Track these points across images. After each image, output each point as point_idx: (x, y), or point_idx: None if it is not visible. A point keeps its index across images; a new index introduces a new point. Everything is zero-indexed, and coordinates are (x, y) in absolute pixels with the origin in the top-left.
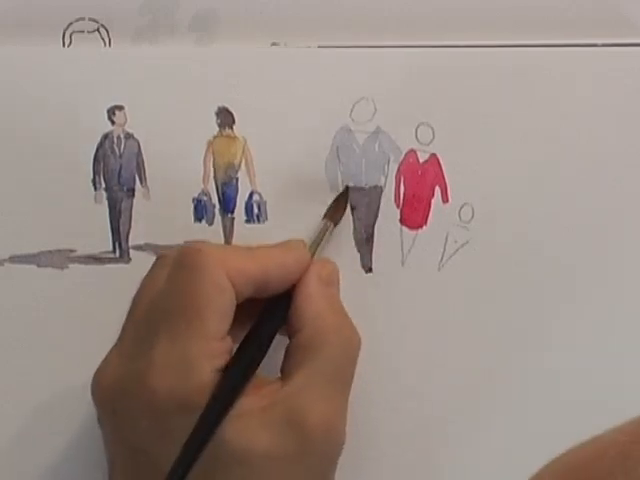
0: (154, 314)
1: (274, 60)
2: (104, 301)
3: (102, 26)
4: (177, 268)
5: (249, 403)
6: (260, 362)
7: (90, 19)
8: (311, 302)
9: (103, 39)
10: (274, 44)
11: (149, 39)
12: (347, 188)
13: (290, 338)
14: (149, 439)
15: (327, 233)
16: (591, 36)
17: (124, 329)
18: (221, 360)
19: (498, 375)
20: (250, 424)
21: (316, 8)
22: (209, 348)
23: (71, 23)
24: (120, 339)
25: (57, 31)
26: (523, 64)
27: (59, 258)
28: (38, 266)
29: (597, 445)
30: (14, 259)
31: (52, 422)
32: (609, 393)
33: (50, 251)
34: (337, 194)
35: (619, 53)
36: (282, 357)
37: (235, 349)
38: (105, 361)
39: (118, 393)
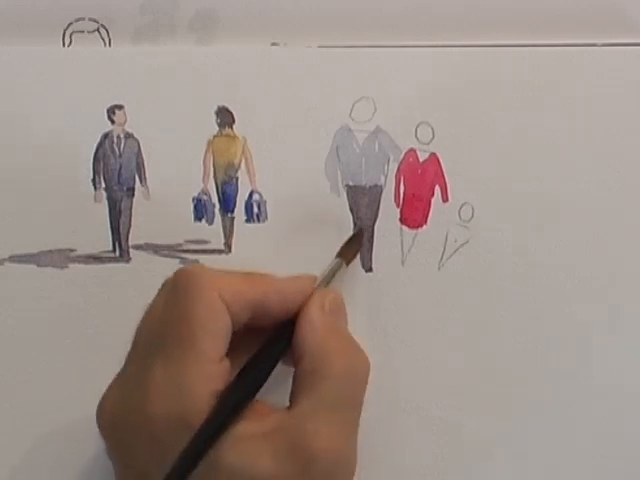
0: (151, 340)
1: (274, 60)
2: (104, 301)
3: (102, 26)
4: (171, 292)
5: (253, 428)
6: (259, 387)
7: (90, 19)
8: (312, 329)
9: (103, 39)
10: (274, 44)
11: (149, 39)
12: (361, 230)
13: (295, 367)
14: (153, 465)
15: (339, 271)
16: (591, 36)
17: (127, 357)
18: (218, 383)
19: (498, 374)
20: (253, 448)
21: (316, 8)
22: (204, 371)
23: (71, 23)
24: (123, 367)
25: (57, 31)
26: (523, 64)
27: (59, 258)
28: (38, 266)
29: None
30: (14, 259)
31: (51, 421)
32: (610, 391)
33: (50, 251)
34: (352, 234)
35: (619, 53)
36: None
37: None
38: (107, 391)
39: (120, 423)
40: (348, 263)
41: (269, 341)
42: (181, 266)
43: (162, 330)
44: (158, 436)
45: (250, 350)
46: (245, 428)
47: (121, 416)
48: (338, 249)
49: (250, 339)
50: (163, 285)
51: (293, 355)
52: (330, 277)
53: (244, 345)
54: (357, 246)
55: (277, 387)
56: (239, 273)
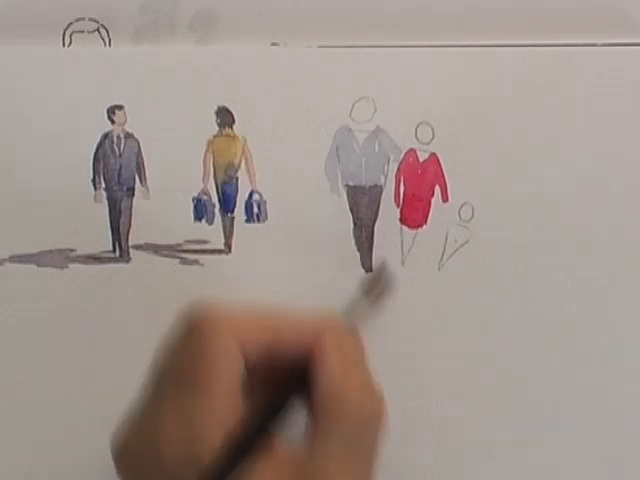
0: (165, 381)
1: (274, 60)
2: (104, 301)
3: (102, 26)
4: (187, 334)
5: (264, 468)
6: (271, 430)
7: (90, 19)
8: (327, 370)
9: (103, 39)
10: (274, 44)
11: (149, 39)
12: (384, 265)
13: (309, 407)
14: None
15: (362, 310)
16: (591, 36)
17: (143, 390)
18: (230, 425)
19: (498, 374)
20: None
21: (316, 8)
22: (216, 417)
23: (71, 23)
24: (139, 401)
25: (57, 31)
26: (523, 64)
27: (59, 258)
28: (38, 266)
29: None
30: (14, 259)
31: (52, 422)
32: (609, 391)
33: (50, 251)
34: (377, 272)
35: (619, 53)
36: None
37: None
38: (123, 426)
39: (135, 462)
40: (373, 303)
41: (285, 383)
42: (181, 266)
43: (176, 373)
44: (171, 478)
45: (266, 386)
46: (258, 470)
47: (136, 456)
48: (364, 283)
49: (267, 374)
50: (178, 321)
51: (308, 397)
52: (353, 315)
53: (261, 380)
54: (382, 286)
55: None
56: (254, 312)
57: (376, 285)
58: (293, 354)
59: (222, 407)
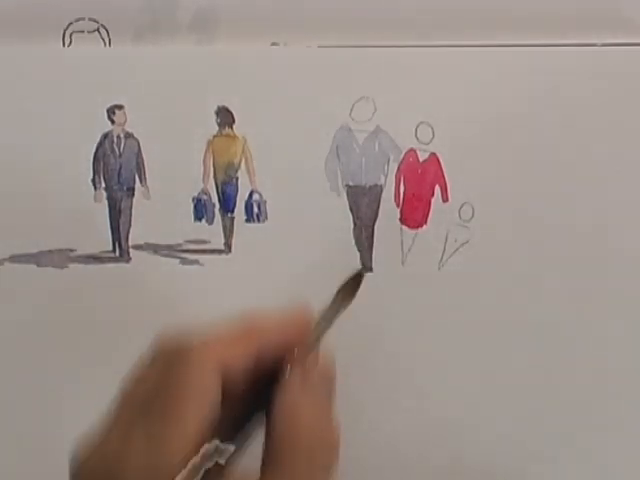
0: (136, 408)
1: (274, 60)
2: (104, 300)
3: (102, 26)
4: (164, 363)
5: None
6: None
7: (90, 19)
8: (286, 407)
9: (103, 39)
10: (274, 44)
11: (149, 39)
12: (362, 271)
13: (266, 434)
14: None
15: (338, 314)
16: (591, 36)
17: (110, 414)
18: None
19: (498, 374)
20: None
21: (316, 8)
22: (184, 449)
23: (71, 23)
24: (104, 424)
25: (57, 31)
26: (523, 64)
27: (59, 258)
28: (38, 266)
29: None
30: (14, 259)
31: (52, 422)
32: (609, 391)
33: (50, 251)
34: (351, 275)
35: (619, 53)
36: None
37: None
38: (87, 439)
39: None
40: (345, 306)
41: (249, 407)
42: (181, 266)
43: (148, 401)
44: None
45: (239, 401)
46: None
47: (95, 472)
48: (338, 288)
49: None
50: (152, 346)
51: (266, 423)
52: (329, 317)
53: (235, 395)
54: (356, 287)
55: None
56: (232, 333)
57: (351, 288)
58: (275, 362)
59: (192, 439)
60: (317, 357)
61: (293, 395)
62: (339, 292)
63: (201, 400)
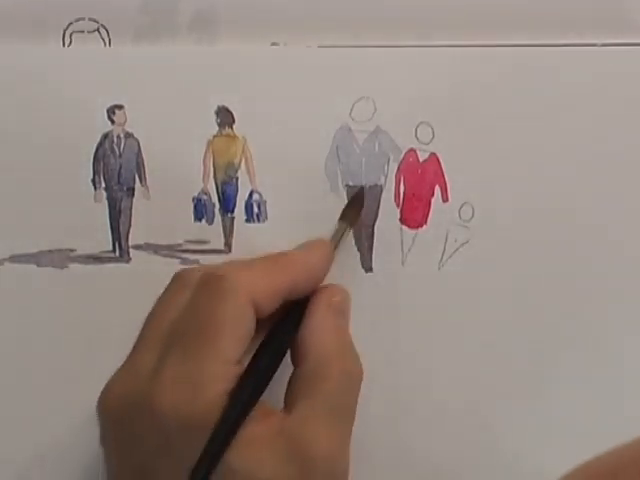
0: (170, 335)
1: (274, 60)
2: (104, 301)
3: (102, 26)
4: (199, 293)
5: (254, 431)
6: (266, 386)
7: (90, 19)
8: (317, 334)
9: (103, 39)
10: (274, 44)
11: (149, 39)
12: (362, 189)
13: (294, 366)
14: (153, 457)
15: (344, 235)
16: (591, 36)
17: (136, 346)
18: (232, 384)
19: (498, 374)
20: (255, 452)
21: (316, 8)
22: (221, 371)
23: (71, 23)
24: (131, 355)
25: (57, 31)
26: (523, 64)
27: (59, 258)
28: (38, 266)
29: (616, 459)
30: (14, 259)
31: (52, 422)
32: (609, 391)
33: (50, 251)
34: (352, 195)
35: (619, 53)
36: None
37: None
38: (113, 378)
39: (125, 410)
40: (352, 225)
41: (274, 336)
42: (181, 266)
43: (183, 327)
44: (166, 431)
45: (255, 337)
46: (247, 431)
47: (128, 403)
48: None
49: (264, 324)
50: (177, 278)
51: (293, 354)
52: (337, 241)
53: (259, 330)
54: (359, 206)
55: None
56: (266, 262)
57: (355, 208)
58: (304, 292)
59: (228, 365)
60: (337, 301)
61: (321, 318)
62: (345, 211)
63: (238, 328)
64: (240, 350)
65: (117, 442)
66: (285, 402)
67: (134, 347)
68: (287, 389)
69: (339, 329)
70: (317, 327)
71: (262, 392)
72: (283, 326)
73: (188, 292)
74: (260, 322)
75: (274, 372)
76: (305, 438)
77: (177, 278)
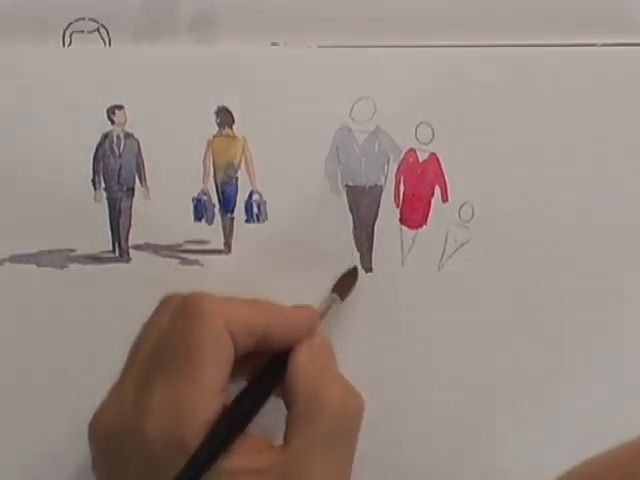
0: (152, 361)
1: (274, 60)
2: (104, 301)
3: (102, 26)
4: (178, 317)
5: (247, 463)
6: (250, 420)
7: (90, 19)
8: (304, 371)
9: (103, 39)
10: (274, 44)
11: (149, 39)
12: (356, 268)
13: (287, 408)
14: None
15: (333, 306)
16: (591, 36)
17: (124, 371)
18: (216, 412)
19: (498, 374)
20: None
21: (316, 8)
22: (203, 399)
23: (71, 23)
24: (119, 381)
25: (57, 31)
26: (523, 64)
27: (59, 258)
28: (38, 266)
29: (606, 462)
30: (14, 259)
31: (52, 422)
32: (609, 391)
33: (50, 251)
34: (347, 270)
35: (619, 53)
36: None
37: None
38: (102, 406)
39: (114, 438)
40: (342, 299)
41: (264, 373)
42: (181, 266)
43: (165, 353)
44: (153, 456)
45: (249, 377)
46: (240, 463)
47: (116, 432)
48: (333, 284)
49: (250, 366)
50: (162, 304)
51: (285, 396)
52: (325, 311)
53: (244, 371)
54: (353, 282)
55: (273, 420)
56: (244, 301)
57: (347, 283)
58: (280, 344)
59: (210, 393)
60: (318, 342)
61: (311, 373)
62: (338, 284)
63: (218, 353)
64: (220, 376)
65: (108, 467)
66: (284, 438)
67: (121, 373)
68: (285, 427)
69: (327, 368)
70: (305, 368)
71: (246, 422)
72: (270, 367)
73: (169, 316)
74: (245, 369)
75: (259, 406)
76: (300, 473)
77: (161, 304)
